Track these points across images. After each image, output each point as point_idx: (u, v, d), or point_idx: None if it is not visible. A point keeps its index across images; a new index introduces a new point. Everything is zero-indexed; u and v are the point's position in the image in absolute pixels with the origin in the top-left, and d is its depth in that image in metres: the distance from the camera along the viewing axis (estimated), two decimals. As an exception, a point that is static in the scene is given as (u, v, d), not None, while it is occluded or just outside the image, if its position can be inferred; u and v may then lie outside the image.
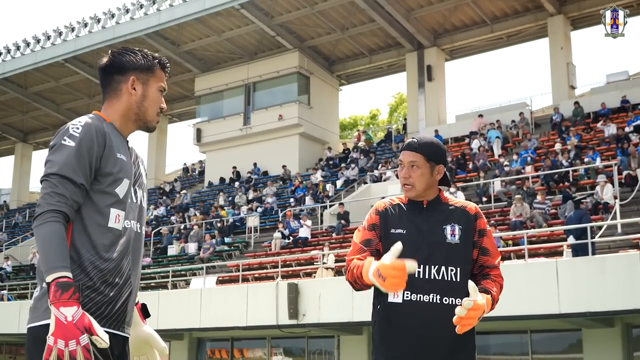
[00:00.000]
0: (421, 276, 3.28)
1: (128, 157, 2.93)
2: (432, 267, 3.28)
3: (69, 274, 2.56)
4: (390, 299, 3.31)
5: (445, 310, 3.25)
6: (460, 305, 3.13)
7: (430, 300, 3.26)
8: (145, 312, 3.08)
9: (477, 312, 3.10)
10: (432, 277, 3.28)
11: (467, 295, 3.27)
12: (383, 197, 3.87)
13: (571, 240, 16.21)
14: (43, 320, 2.62)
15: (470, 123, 29.89)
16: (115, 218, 2.80)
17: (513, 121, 28.55)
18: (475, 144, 27.43)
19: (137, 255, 2.93)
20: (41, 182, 2.73)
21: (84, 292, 2.65)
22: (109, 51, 3.06)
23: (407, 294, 3.27)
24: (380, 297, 3.39)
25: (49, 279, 2.54)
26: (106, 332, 2.66)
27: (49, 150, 2.81)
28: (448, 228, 3.36)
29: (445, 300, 3.27)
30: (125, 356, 2.88)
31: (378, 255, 3.29)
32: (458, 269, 3.31)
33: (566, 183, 21.12)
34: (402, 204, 3.48)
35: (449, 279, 3.28)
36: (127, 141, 3.01)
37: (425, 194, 3.43)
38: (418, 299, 3.26)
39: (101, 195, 2.79)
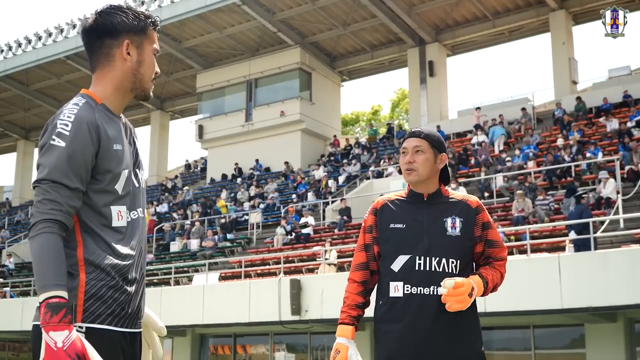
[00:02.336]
0: (422, 268, 3.30)
1: (123, 142, 2.67)
2: (433, 259, 3.30)
3: (62, 293, 2.34)
4: (392, 294, 3.33)
5: None
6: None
7: (431, 293, 3.27)
8: None
9: (463, 289, 3.18)
10: (433, 269, 3.29)
11: None
12: (382, 195, 3.90)
13: (572, 235, 16.21)
14: None
15: (472, 119, 29.85)
16: (117, 216, 2.59)
17: (516, 120, 28.51)
18: (476, 139, 27.43)
19: (144, 242, 2.75)
20: (34, 187, 2.51)
21: (106, 292, 2.50)
22: (95, 10, 2.69)
23: (408, 287, 3.30)
24: (381, 292, 3.41)
25: (40, 298, 2.33)
26: (128, 332, 2.59)
27: (39, 150, 2.55)
28: (449, 220, 3.37)
29: None
30: (140, 351, 2.74)
31: (375, 260, 3.47)
32: (458, 261, 3.33)
33: (569, 178, 21.11)
34: (402, 199, 3.49)
35: (450, 271, 3.30)
36: (120, 117, 2.73)
37: (426, 184, 3.44)
38: (419, 292, 3.28)
39: (99, 194, 2.56)
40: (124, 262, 2.58)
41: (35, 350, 2.52)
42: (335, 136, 34.78)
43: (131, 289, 2.60)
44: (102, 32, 2.66)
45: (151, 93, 2.78)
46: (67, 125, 2.49)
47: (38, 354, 2.46)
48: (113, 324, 2.52)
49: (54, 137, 2.48)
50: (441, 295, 3.23)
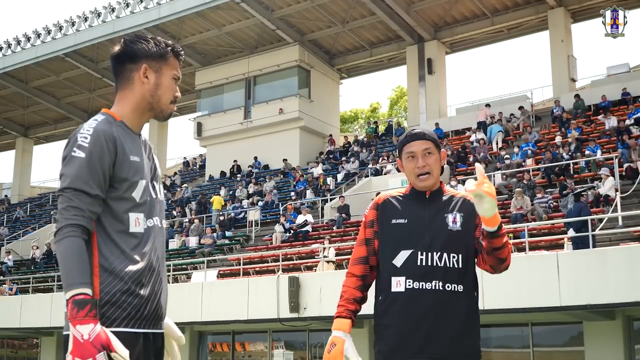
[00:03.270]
0: (423, 264, 3.30)
1: (142, 155, 2.88)
2: (434, 254, 3.30)
3: (87, 290, 2.54)
4: (394, 289, 3.33)
5: (447, 296, 3.27)
6: (461, 291, 3.28)
7: (433, 288, 3.27)
8: None
9: (490, 184, 3.09)
10: (435, 264, 3.29)
11: (470, 281, 3.35)
12: (378, 193, 3.89)
13: (571, 233, 16.21)
14: None
15: (471, 116, 29.86)
16: (135, 222, 2.78)
17: (512, 114, 28.50)
18: (475, 137, 27.43)
19: (162, 250, 2.93)
20: (57, 197, 2.73)
21: (120, 297, 2.67)
22: (121, 40, 2.96)
23: (409, 282, 3.30)
24: (382, 288, 3.42)
25: (67, 296, 2.53)
26: (147, 333, 2.74)
27: (61, 161, 2.77)
28: (450, 216, 3.37)
29: (448, 286, 3.28)
30: (162, 352, 2.91)
31: (375, 254, 3.46)
32: (460, 255, 3.32)
33: (567, 176, 21.08)
34: (403, 196, 3.50)
35: (451, 266, 3.30)
36: (140, 135, 2.96)
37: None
38: (420, 287, 3.28)
39: (118, 201, 2.76)
40: (137, 267, 2.74)
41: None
42: (330, 135, 34.66)
43: (145, 292, 2.76)
44: (124, 57, 2.91)
45: (169, 114, 3.00)
46: (86, 138, 2.72)
47: None
48: (129, 326, 2.69)
49: (74, 149, 2.71)
50: (442, 289, 3.25)
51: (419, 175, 3.40)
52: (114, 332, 2.59)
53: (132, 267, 2.72)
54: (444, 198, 3.44)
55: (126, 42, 2.93)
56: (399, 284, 3.32)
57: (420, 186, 3.42)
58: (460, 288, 3.29)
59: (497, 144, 26.58)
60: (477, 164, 3.21)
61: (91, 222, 2.68)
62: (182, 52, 3.06)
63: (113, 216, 2.74)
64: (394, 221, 3.41)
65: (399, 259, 3.34)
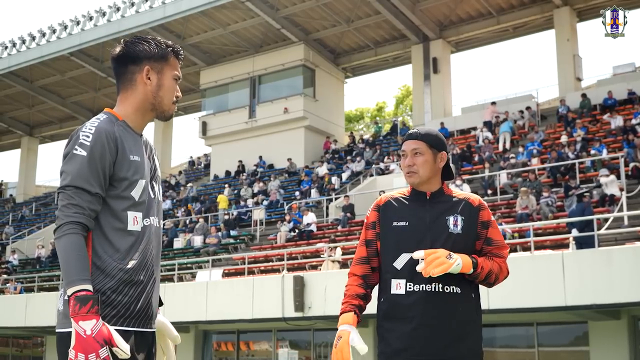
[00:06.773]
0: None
1: (142, 155, 2.93)
2: None
3: (88, 287, 2.61)
4: (393, 291, 3.36)
5: (447, 298, 3.29)
6: (461, 293, 3.33)
7: (433, 290, 3.29)
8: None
9: (438, 253, 3.21)
10: None
11: (471, 283, 3.36)
12: (382, 192, 3.91)
13: (574, 233, 16.17)
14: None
15: (476, 115, 29.82)
16: (133, 220, 2.83)
17: (520, 111, 28.44)
18: (482, 135, 27.36)
19: (158, 249, 2.98)
20: (58, 194, 2.76)
21: (110, 296, 2.72)
22: (122, 41, 2.99)
23: (410, 284, 3.32)
24: (383, 289, 3.44)
25: (69, 292, 2.60)
26: (135, 331, 2.78)
27: (62, 159, 2.82)
28: (451, 219, 3.39)
29: (447, 289, 3.31)
30: (154, 351, 2.95)
31: (376, 256, 3.50)
32: None
33: (570, 176, 21.02)
34: (405, 197, 3.52)
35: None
36: (141, 135, 3.01)
37: (429, 183, 3.46)
38: (421, 289, 3.30)
39: (117, 200, 2.80)
40: (130, 265, 2.79)
41: (61, 355, 2.72)
42: (328, 138, 34.53)
43: (138, 290, 2.81)
44: (126, 59, 2.95)
45: (171, 114, 3.09)
46: (88, 137, 2.77)
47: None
48: (119, 324, 2.73)
49: (76, 147, 2.76)
50: (442, 291, 3.28)
51: (407, 172, 3.48)
52: None
53: (124, 266, 2.77)
54: (446, 200, 3.46)
55: (127, 43, 2.97)
56: (399, 286, 3.35)
57: (408, 182, 3.51)
58: (459, 290, 3.32)
59: (504, 142, 26.49)
60: (415, 253, 3.27)
61: (91, 219, 2.72)
62: (182, 52, 3.08)
63: (111, 214, 2.79)
64: (395, 223, 3.43)
65: (400, 262, 3.36)
